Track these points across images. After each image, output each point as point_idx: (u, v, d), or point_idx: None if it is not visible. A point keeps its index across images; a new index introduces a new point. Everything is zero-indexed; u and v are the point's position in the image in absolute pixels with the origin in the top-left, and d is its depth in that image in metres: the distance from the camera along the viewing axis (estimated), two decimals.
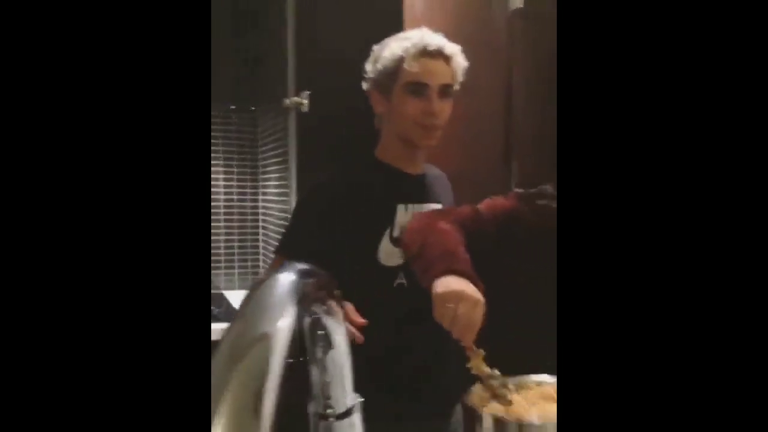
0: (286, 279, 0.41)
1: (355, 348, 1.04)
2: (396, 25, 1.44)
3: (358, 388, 1.07)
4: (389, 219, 1.10)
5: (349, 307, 0.99)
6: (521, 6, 1.45)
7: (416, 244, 0.95)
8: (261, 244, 2.41)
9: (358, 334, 0.96)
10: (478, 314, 0.80)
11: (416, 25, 1.44)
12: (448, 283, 0.83)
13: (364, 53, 1.51)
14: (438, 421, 1.14)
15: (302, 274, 0.42)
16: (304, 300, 0.40)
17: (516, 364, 0.91)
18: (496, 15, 1.47)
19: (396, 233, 1.10)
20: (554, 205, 0.99)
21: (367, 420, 1.06)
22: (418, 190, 1.16)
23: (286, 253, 1.15)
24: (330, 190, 1.12)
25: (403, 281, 1.10)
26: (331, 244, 1.09)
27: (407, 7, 1.45)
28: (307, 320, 0.50)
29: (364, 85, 1.16)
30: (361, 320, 0.96)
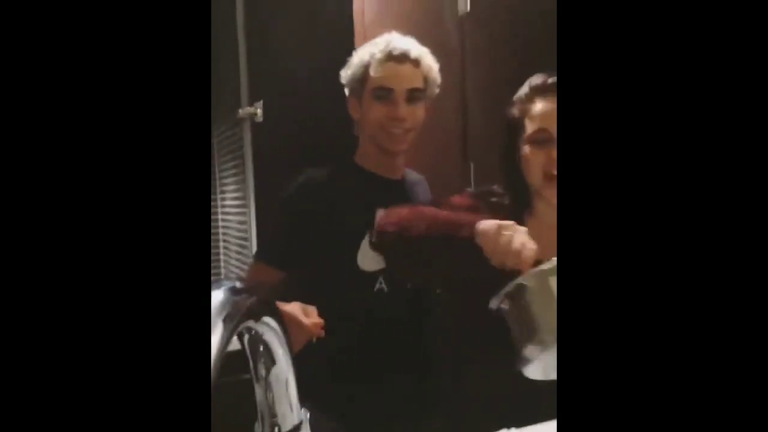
0: (215, 297, 0.40)
1: (334, 353, 1.04)
2: (347, 33, 1.44)
3: (336, 391, 1.06)
4: (369, 224, 1.09)
5: (311, 309, 0.97)
6: (468, 10, 1.47)
7: (422, 221, 0.93)
8: (222, 257, 2.37)
9: (319, 331, 0.94)
10: (531, 241, 0.79)
11: (367, 33, 1.44)
12: (494, 221, 0.83)
13: (315, 61, 1.50)
14: (420, 425, 1.13)
15: (232, 292, 0.41)
16: (234, 317, 0.40)
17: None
18: (446, 20, 1.48)
19: (375, 238, 1.09)
20: (506, 202, 0.99)
21: (348, 425, 1.05)
22: (398, 194, 1.16)
23: (266, 260, 1.14)
24: (309, 196, 1.11)
25: (383, 286, 1.09)
26: (311, 249, 1.08)
27: (357, 15, 1.45)
28: (246, 337, 0.49)
29: (345, 91, 1.16)
30: (318, 319, 0.95)
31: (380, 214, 1.05)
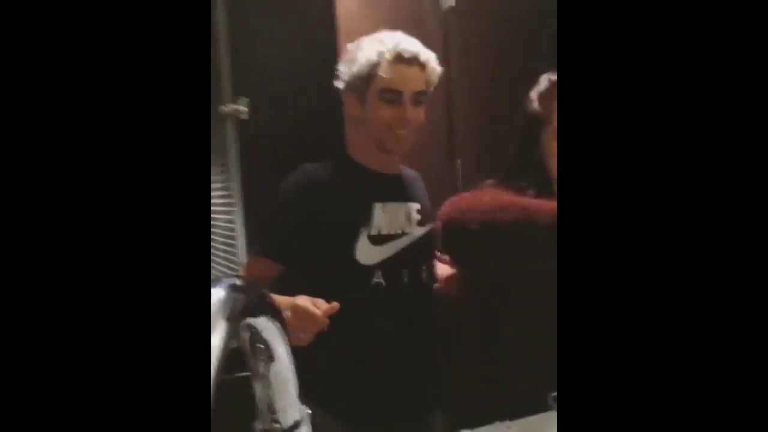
0: (216, 296, 0.40)
1: (332, 347, 1.04)
2: (329, 27, 1.43)
3: (334, 387, 1.06)
4: (366, 218, 1.09)
5: (320, 302, 0.97)
6: (453, 4, 1.47)
7: (513, 208, 0.90)
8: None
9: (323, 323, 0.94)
10: None
11: (350, 27, 1.43)
12: None
13: (299, 56, 1.49)
14: (418, 419, 1.13)
15: (233, 289, 0.41)
16: (235, 315, 0.39)
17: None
18: (429, 14, 1.48)
19: (374, 231, 1.09)
20: (532, 193, 0.98)
21: (346, 421, 1.05)
22: (395, 189, 1.16)
23: (264, 254, 1.13)
24: (307, 190, 1.10)
25: (381, 280, 1.09)
26: (310, 242, 1.08)
27: (340, 8, 1.44)
28: (245, 335, 0.48)
29: (338, 85, 1.15)
30: (326, 306, 0.94)
31: (447, 202, 1.02)
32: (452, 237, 0.97)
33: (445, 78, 1.19)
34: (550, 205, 0.87)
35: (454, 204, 0.97)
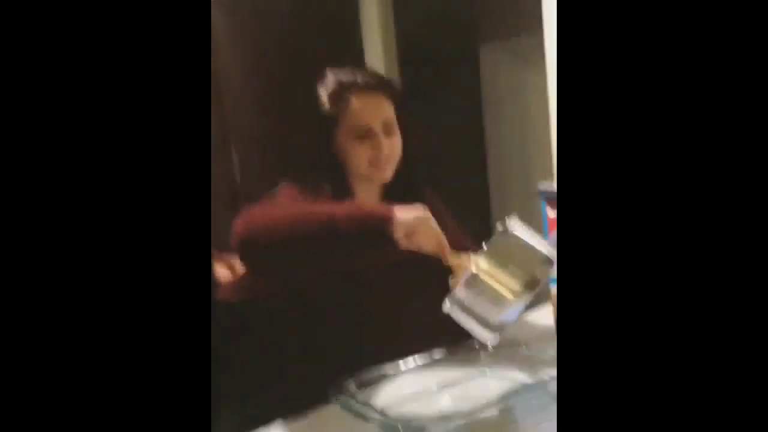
0: None
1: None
2: None
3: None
4: None
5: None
6: None
7: (312, 219, 0.86)
8: None
9: None
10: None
11: None
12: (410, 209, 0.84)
13: None
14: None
15: None
16: None
17: None
18: None
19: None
20: (328, 191, 0.98)
21: None
22: None
23: None
24: None
25: None
26: None
27: None
28: None
29: None
30: None
31: (240, 219, 0.91)
32: (250, 255, 0.91)
33: (216, 70, 1.13)
34: (350, 209, 0.87)
35: (248, 222, 0.89)
